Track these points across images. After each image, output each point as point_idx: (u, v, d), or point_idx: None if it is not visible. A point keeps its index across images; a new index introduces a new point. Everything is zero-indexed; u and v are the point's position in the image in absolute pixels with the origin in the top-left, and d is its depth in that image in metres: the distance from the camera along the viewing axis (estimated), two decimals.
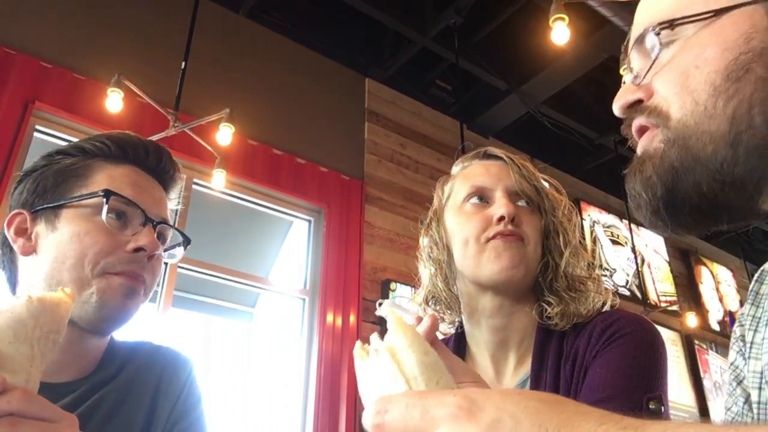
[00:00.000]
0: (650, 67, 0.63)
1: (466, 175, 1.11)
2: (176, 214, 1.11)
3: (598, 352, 0.94)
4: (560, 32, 2.86)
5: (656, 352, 0.93)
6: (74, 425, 0.64)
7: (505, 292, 1.03)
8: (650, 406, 0.86)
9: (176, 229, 1.01)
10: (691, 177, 0.60)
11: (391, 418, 0.43)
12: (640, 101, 0.64)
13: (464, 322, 1.10)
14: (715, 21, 0.60)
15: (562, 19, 2.78)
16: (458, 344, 1.11)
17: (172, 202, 1.04)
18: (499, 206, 1.02)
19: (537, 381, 0.98)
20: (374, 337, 0.52)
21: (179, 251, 1.03)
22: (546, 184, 1.13)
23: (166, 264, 1.01)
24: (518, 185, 1.05)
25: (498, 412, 0.40)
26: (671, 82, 0.62)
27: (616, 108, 0.67)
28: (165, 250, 0.99)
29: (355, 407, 3.62)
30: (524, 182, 1.06)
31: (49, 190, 0.91)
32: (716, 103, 0.58)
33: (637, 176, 0.64)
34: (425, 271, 1.14)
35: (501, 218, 1.01)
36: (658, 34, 0.62)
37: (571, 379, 0.95)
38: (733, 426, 0.36)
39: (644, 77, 0.64)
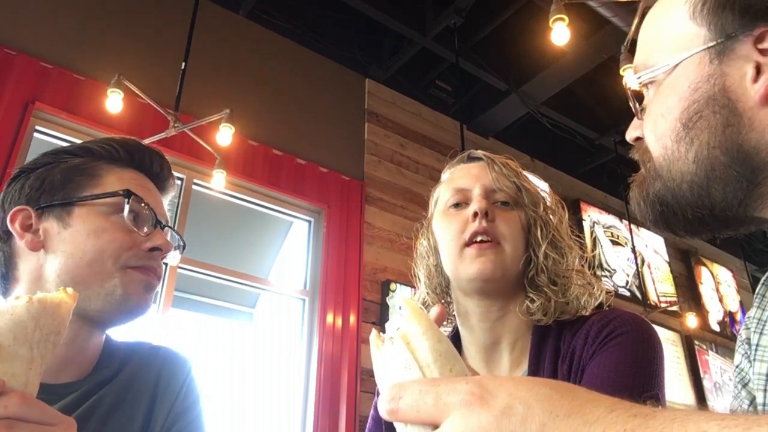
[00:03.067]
0: (641, 108, 0.72)
1: (450, 180, 1.14)
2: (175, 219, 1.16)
3: (595, 351, 0.94)
4: (560, 33, 2.86)
5: (653, 350, 0.93)
6: (72, 428, 0.64)
7: (489, 295, 1.03)
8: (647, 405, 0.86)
9: (176, 232, 1.04)
10: (675, 204, 0.67)
11: (404, 405, 0.45)
12: (641, 137, 0.73)
13: (458, 324, 1.11)
14: (673, 70, 0.65)
15: (562, 19, 2.78)
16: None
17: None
18: (474, 204, 1.05)
19: None
20: (389, 325, 0.52)
21: (176, 255, 1.05)
22: (534, 180, 1.14)
23: (165, 265, 1.03)
24: (496, 183, 1.07)
25: (510, 399, 0.41)
26: (648, 129, 0.69)
27: (628, 139, 0.76)
28: None
29: (355, 407, 3.62)
30: (502, 179, 1.08)
31: (57, 188, 0.93)
32: (680, 148, 0.64)
33: (634, 196, 0.72)
34: (420, 276, 1.16)
35: (475, 215, 1.03)
36: (641, 81, 0.69)
37: (568, 379, 0.95)
38: (742, 415, 0.36)
39: (639, 115, 0.72)
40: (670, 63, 0.65)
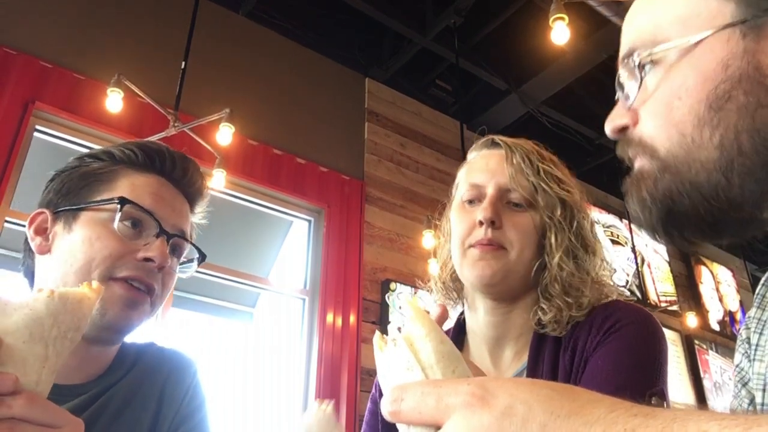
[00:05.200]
0: (637, 93, 0.64)
1: (469, 169, 1.11)
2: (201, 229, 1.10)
3: (599, 343, 0.93)
4: (560, 32, 2.86)
5: (657, 344, 0.92)
6: (78, 429, 0.63)
7: (493, 296, 1.02)
8: (652, 401, 0.86)
9: (193, 244, 1.00)
10: (687, 201, 0.60)
11: (406, 406, 0.45)
12: (627, 127, 0.65)
13: (465, 312, 1.11)
14: (693, 48, 0.59)
15: (562, 19, 2.78)
16: (458, 333, 1.11)
17: (196, 216, 1.04)
18: (482, 209, 1.01)
19: (534, 372, 0.96)
20: (392, 327, 0.52)
21: (193, 267, 1.02)
22: (558, 174, 1.07)
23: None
24: (511, 182, 1.02)
25: (511, 399, 0.41)
26: (656, 114, 0.62)
27: (608, 131, 0.67)
28: (180, 264, 0.98)
29: (355, 407, 3.62)
30: (519, 177, 1.02)
31: (73, 192, 0.92)
32: (702, 133, 0.58)
33: (634, 196, 0.65)
34: (438, 259, 1.15)
35: (481, 223, 1.00)
36: (639, 62, 0.63)
37: (570, 370, 0.94)
38: (742, 415, 0.37)
39: (633, 102, 0.64)
40: (690, 40, 0.59)
